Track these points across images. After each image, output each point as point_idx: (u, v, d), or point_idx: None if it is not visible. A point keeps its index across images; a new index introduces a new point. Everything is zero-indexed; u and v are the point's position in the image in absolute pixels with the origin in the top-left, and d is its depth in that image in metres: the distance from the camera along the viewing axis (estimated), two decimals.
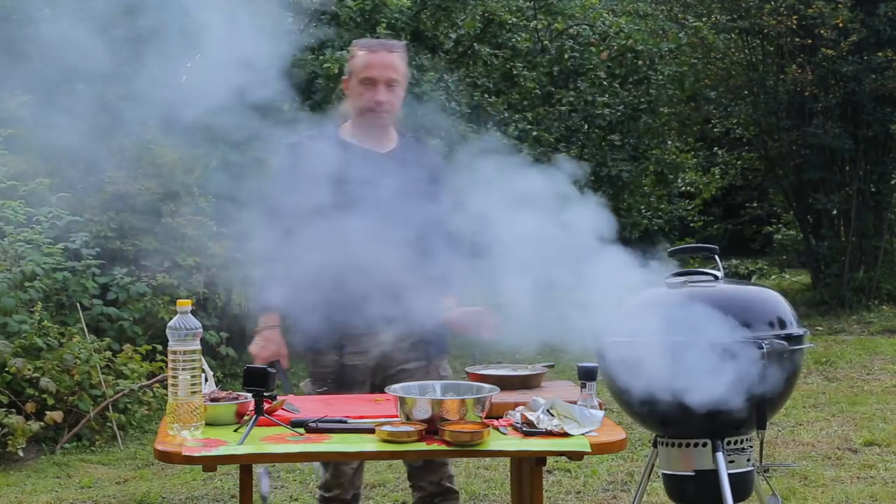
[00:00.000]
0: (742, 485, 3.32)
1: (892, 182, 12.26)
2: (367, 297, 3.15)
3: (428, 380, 3.03)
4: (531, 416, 2.55)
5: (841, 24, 10.98)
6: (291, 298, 3.21)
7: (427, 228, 3.28)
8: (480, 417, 2.54)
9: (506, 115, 11.81)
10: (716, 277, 3.41)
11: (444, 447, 2.45)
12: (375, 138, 3.33)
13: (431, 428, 2.49)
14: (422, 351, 3.32)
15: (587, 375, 2.70)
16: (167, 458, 2.45)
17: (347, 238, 3.15)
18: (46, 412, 6.14)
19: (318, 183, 3.19)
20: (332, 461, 3.23)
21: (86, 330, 6.88)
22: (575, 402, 2.62)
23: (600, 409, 2.64)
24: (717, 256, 3.55)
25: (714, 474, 3.22)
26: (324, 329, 3.20)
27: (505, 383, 2.89)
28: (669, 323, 3.23)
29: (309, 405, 2.86)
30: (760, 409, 3.17)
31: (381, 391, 3.23)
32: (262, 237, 3.34)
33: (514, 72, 11.99)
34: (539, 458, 2.53)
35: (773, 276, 15.15)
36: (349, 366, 3.24)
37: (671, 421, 3.27)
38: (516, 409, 2.63)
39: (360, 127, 3.32)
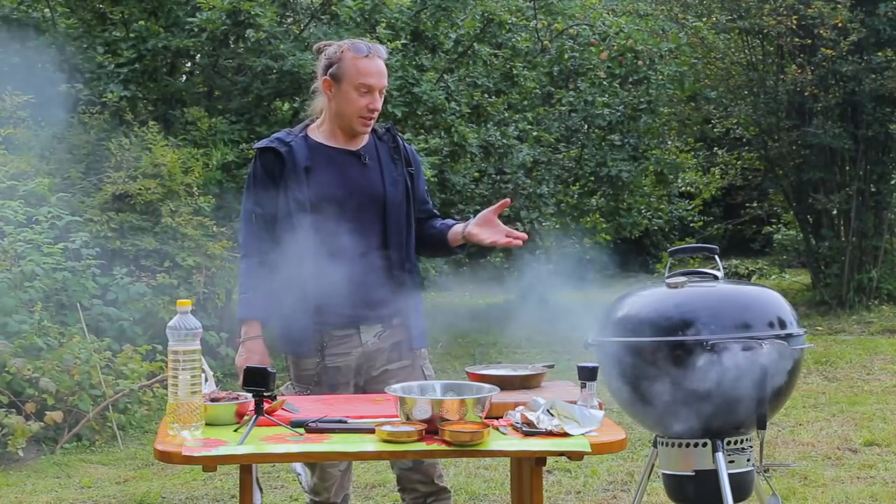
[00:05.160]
0: (742, 485, 3.32)
1: (892, 182, 12.25)
2: (347, 298, 3.14)
3: (412, 380, 3.01)
4: (531, 416, 2.54)
5: (841, 24, 10.97)
6: (272, 303, 3.20)
7: (407, 218, 3.29)
8: (480, 417, 2.54)
9: (506, 115, 11.81)
10: (716, 277, 3.41)
11: (443, 447, 2.45)
12: (350, 138, 3.31)
13: (431, 428, 2.49)
14: (405, 351, 3.31)
15: (587, 375, 2.69)
16: (167, 458, 2.45)
17: (326, 239, 3.14)
18: (46, 412, 6.14)
19: (293, 184, 3.19)
20: (330, 461, 3.22)
21: (86, 330, 6.88)
22: (575, 402, 2.62)
23: (600, 409, 2.64)
24: (717, 256, 3.55)
25: (714, 474, 3.22)
26: (305, 331, 3.19)
27: (505, 383, 2.89)
28: (669, 322, 3.24)
29: (309, 405, 2.86)
30: (760, 409, 3.17)
31: (364, 392, 3.23)
32: (241, 244, 3.33)
33: (514, 72, 11.98)
34: (539, 458, 2.52)
35: (773, 276, 15.14)
36: (331, 367, 3.21)
37: (671, 421, 3.27)
38: (516, 409, 2.63)
39: (337, 129, 3.29)
